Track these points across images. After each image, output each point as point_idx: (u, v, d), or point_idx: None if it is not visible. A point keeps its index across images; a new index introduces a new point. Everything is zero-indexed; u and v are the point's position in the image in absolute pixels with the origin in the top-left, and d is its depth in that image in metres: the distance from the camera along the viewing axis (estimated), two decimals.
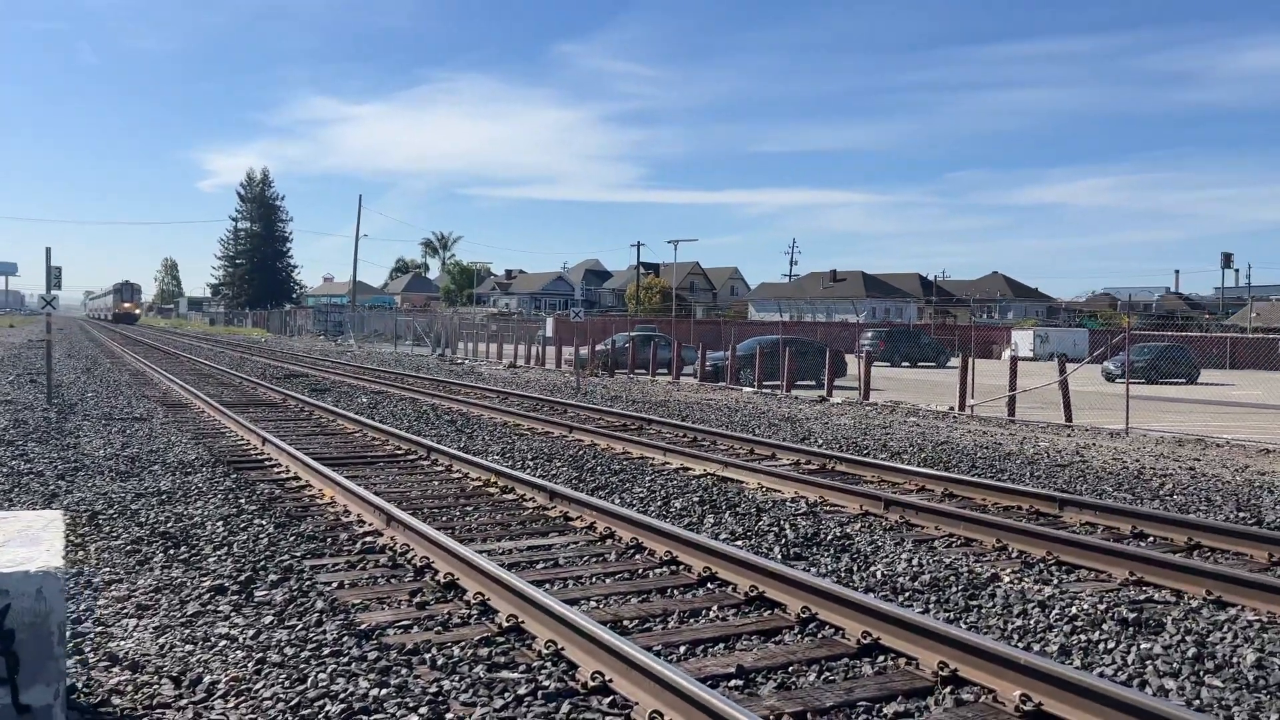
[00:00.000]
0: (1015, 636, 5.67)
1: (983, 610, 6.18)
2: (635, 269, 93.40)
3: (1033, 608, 6.20)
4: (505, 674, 4.93)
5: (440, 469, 11.54)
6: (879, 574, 6.99)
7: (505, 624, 5.69)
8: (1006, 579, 6.94)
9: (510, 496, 9.81)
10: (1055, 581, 6.92)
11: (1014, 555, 7.69)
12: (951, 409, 20.74)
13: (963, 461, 12.96)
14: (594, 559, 7.42)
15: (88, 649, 5.15)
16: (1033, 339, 56.59)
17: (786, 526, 8.41)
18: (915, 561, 7.31)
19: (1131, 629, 5.84)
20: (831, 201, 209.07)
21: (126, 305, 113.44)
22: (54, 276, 17.68)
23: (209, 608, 5.97)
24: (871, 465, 11.78)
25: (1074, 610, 6.15)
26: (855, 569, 7.14)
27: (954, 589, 6.62)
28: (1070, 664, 5.16)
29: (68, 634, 4.38)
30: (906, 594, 6.51)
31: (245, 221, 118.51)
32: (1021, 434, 16.80)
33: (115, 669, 4.89)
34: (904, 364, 45.95)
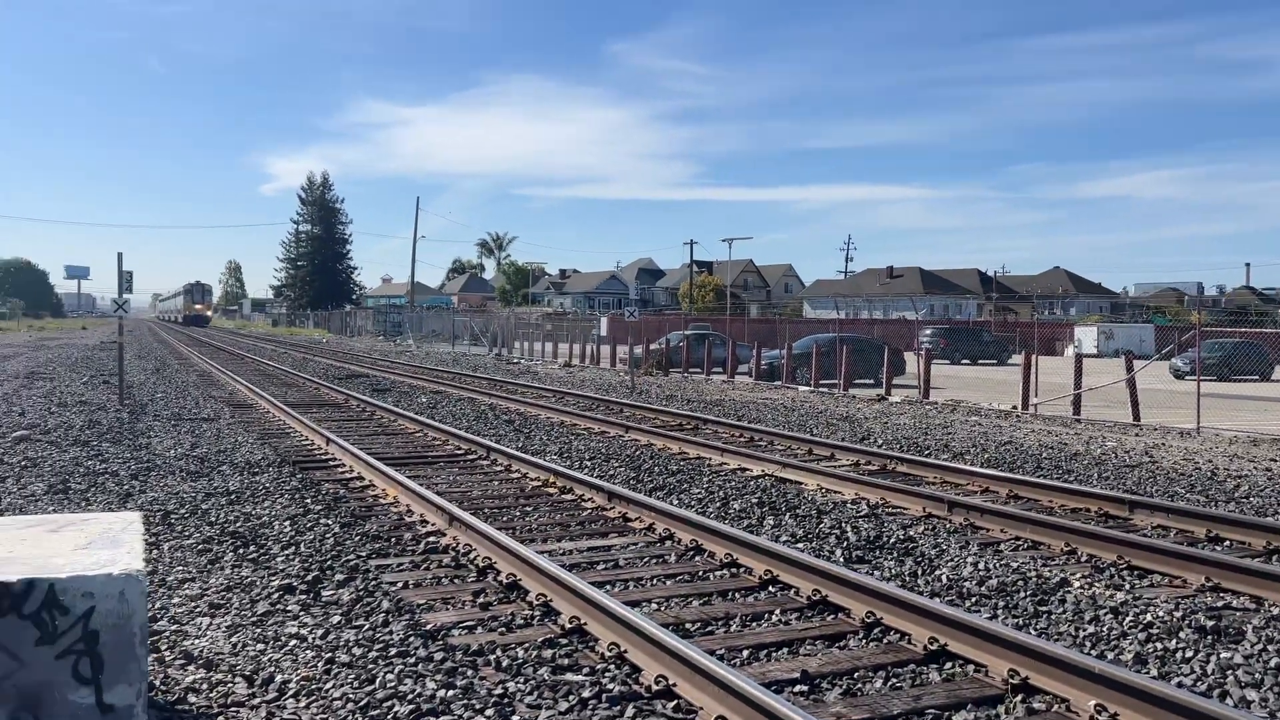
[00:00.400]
0: (1088, 644, 5.54)
1: (1053, 616, 6.05)
2: (688, 267, 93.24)
3: (1105, 614, 6.05)
4: (569, 676, 4.95)
5: (499, 469, 11.63)
6: (944, 578, 6.87)
7: (568, 625, 5.71)
8: (1076, 584, 6.78)
9: (569, 497, 9.85)
10: (1128, 587, 6.75)
11: (1083, 559, 7.52)
12: (1014, 408, 20.36)
13: (1027, 462, 12.71)
14: (654, 560, 7.42)
15: (164, 647, 5.28)
16: (1097, 335, 55.28)
17: (848, 529, 8.32)
18: (981, 565, 7.18)
19: (1210, 637, 5.67)
20: (887, 197, 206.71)
21: (198, 307, 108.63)
22: (125, 280, 18.18)
23: (278, 607, 6.09)
24: (933, 466, 11.61)
25: (1148, 617, 5.98)
26: (920, 573, 7.04)
27: (1022, 594, 6.49)
28: (1147, 673, 5.02)
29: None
30: (973, 599, 6.40)
31: (306, 224, 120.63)
32: (1088, 433, 16.42)
33: (190, 667, 5.01)
34: (964, 361, 45.21)
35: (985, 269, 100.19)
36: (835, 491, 10.23)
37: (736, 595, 6.53)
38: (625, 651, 5.22)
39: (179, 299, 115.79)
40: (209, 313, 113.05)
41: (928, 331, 47.46)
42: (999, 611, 6.13)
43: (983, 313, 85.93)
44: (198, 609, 6.01)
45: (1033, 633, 5.65)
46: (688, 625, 5.83)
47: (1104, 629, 5.79)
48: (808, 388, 25.76)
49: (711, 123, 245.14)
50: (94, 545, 3.74)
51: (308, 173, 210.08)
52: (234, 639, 5.46)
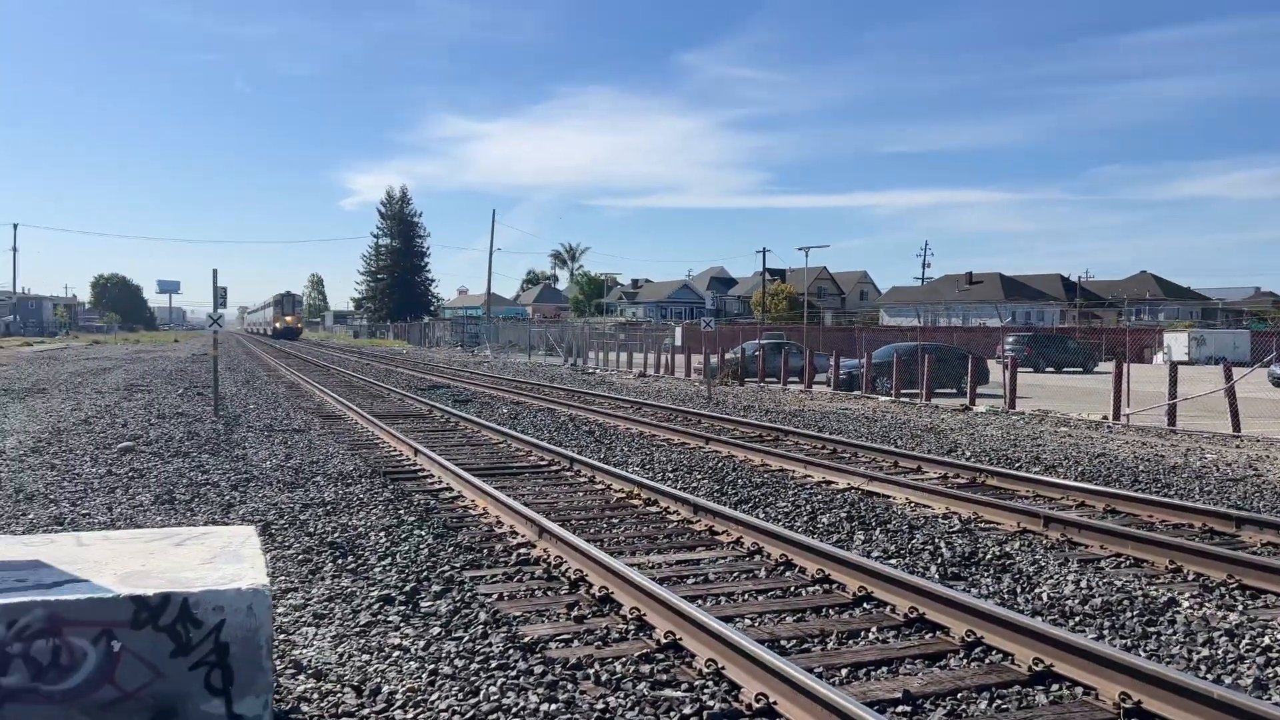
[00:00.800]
0: (1202, 668, 5.35)
1: (1162, 638, 5.86)
2: (760, 275, 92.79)
3: (1219, 636, 5.84)
4: (669, 692, 4.96)
5: (583, 480, 11.72)
6: (1045, 596, 6.72)
7: (663, 640, 5.73)
8: (1185, 604, 6.56)
9: (654, 509, 9.88)
10: (1240, 608, 6.50)
11: (1190, 578, 7.27)
12: (1105, 418, 19.77)
13: (1123, 475, 12.33)
14: (744, 575, 7.40)
15: (274, 656, 5.45)
16: (1188, 342, 53.39)
17: (941, 544, 8.18)
18: (1083, 584, 7.00)
19: None
20: (963, 201, 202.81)
21: (288, 319, 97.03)
22: (220, 296, 18.83)
23: (379, 617, 6.23)
24: (1025, 479, 11.34)
25: (1266, 640, 5.76)
26: (1019, 590, 6.88)
27: (1129, 614, 6.30)
28: (1268, 700, 4.83)
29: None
30: (1077, 618, 6.24)
31: (386, 238, 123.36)
32: (1185, 445, 15.87)
33: (300, 677, 5.16)
34: (1049, 369, 44.07)
35: (1067, 274, 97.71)
36: (925, 506, 10.07)
37: (830, 612, 6.47)
38: (723, 668, 5.21)
39: (268, 310, 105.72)
40: (299, 325, 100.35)
41: (1010, 339, 46.41)
42: (1105, 632, 5.97)
43: (1066, 319, 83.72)
44: (303, 619, 6.18)
45: (1142, 654, 5.48)
46: (783, 642, 5.80)
47: (1218, 652, 5.59)
48: (888, 398, 25.39)
49: (782, 130, 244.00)
50: (218, 560, 3.88)
51: (387, 187, 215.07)
52: (340, 649, 5.60)
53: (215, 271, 18.59)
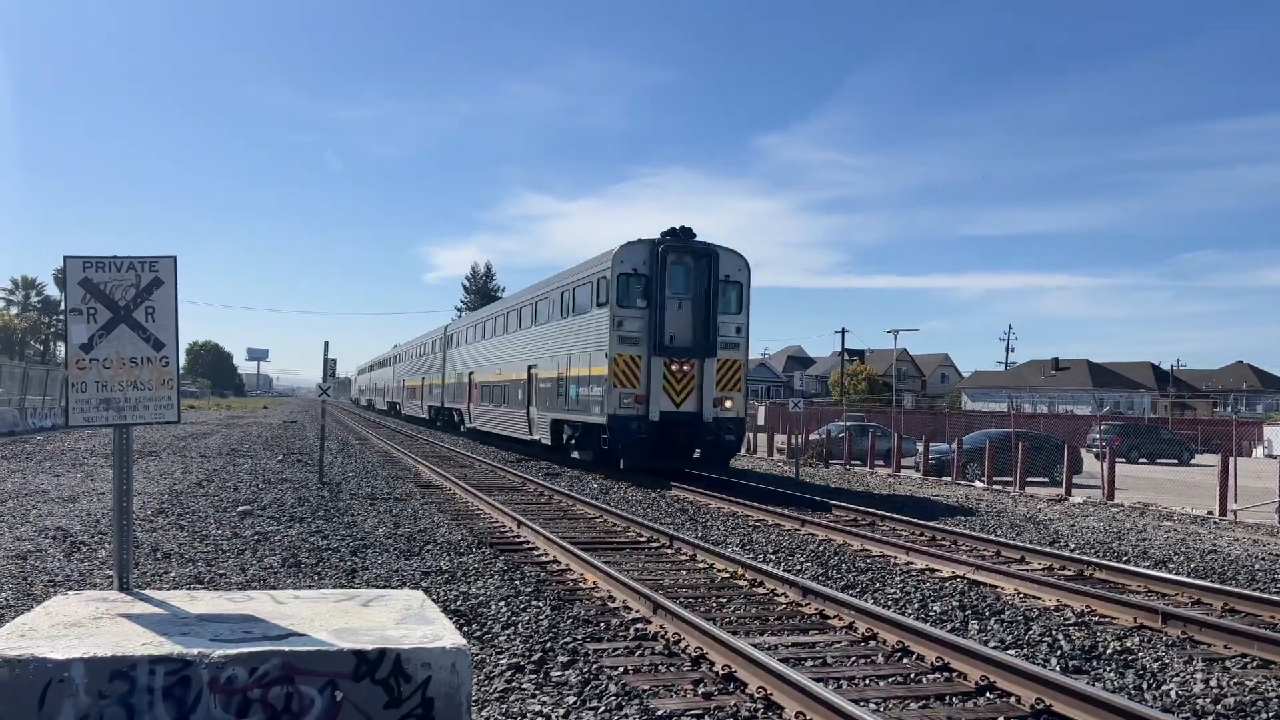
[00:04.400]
0: None
1: None
2: (838, 355, 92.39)
3: None
4: None
5: (685, 558, 11.90)
6: (1173, 694, 6.66)
7: None
8: None
9: (760, 590, 10.00)
10: None
11: None
12: (1210, 513, 19.20)
13: (1239, 573, 12.02)
14: (862, 660, 7.47)
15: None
16: None
17: (1059, 636, 8.14)
18: (1213, 683, 6.91)
19: None
20: (1048, 285, 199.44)
21: None
22: (330, 368, 19.69)
23: (514, 684, 6.49)
24: (1135, 574, 11.16)
25: None
26: (1145, 687, 6.84)
27: (1263, 715, 6.23)
28: None
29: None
30: (1210, 718, 6.18)
31: (469, 311, 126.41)
32: None
33: None
34: (1141, 460, 42.78)
35: (1158, 361, 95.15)
36: (1035, 597, 9.99)
37: (954, 700, 6.52)
38: None
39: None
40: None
41: (1101, 428, 45.26)
42: None
43: (1157, 408, 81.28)
44: None
45: None
46: None
47: None
48: (981, 484, 25.02)
49: (861, 211, 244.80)
50: (409, 621, 4.22)
51: (471, 262, 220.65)
52: (485, 713, 5.87)
53: (326, 345, 19.40)
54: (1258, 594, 10.06)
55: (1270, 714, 6.27)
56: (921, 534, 14.77)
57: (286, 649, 3.60)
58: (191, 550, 11.06)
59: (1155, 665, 7.40)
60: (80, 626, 4.04)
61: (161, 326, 5.25)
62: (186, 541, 11.66)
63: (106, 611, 4.35)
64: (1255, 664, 7.60)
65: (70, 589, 8.11)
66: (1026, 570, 11.50)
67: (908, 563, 12.05)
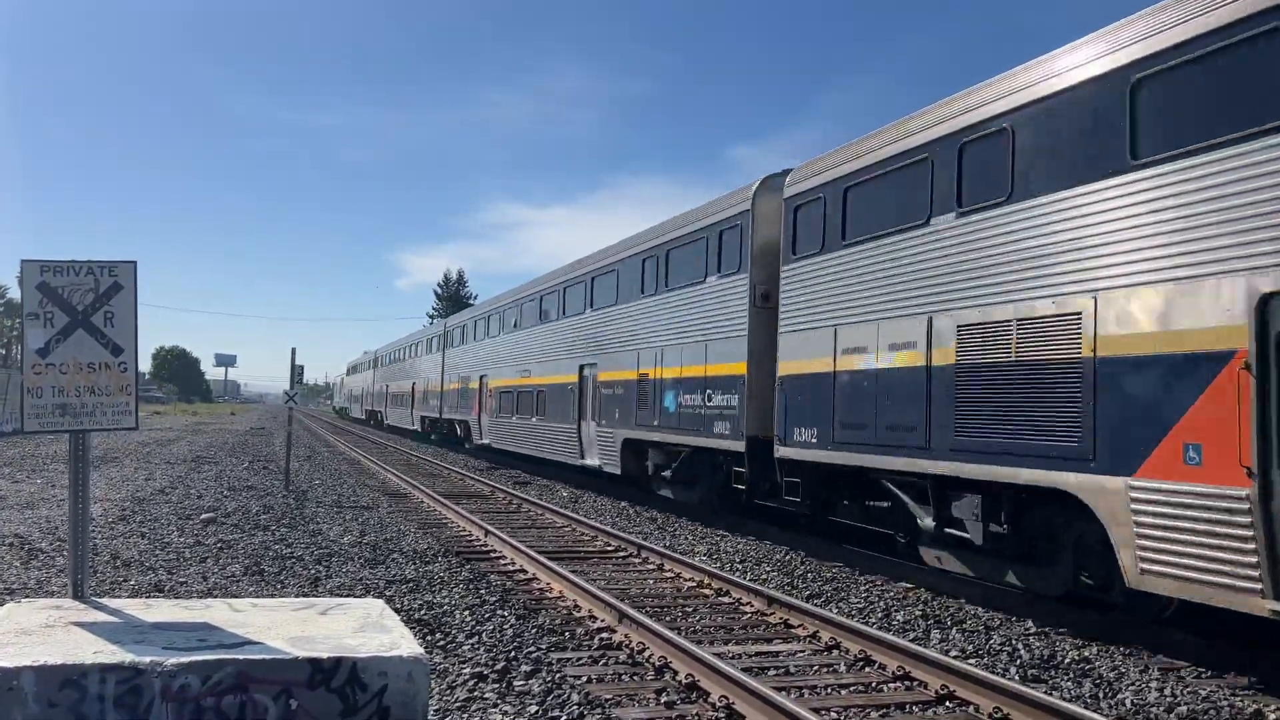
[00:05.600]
0: None
1: None
2: None
3: None
4: None
5: (652, 567, 11.91)
6: (1128, 702, 6.76)
7: None
8: (1272, 716, 6.56)
9: (726, 599, 10.03)
10: None
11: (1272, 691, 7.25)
12: None
13: None
14: (824, 669, 7.52)
15: None
16: None
17: (1020, 646, 8.23)
18: (1166, 691, 7.02)
19: None
20: None
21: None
22: (298, 374, 19.54)
23: (475, 694, 6.47)
24: None
25: None
26: (1101, 695, 6.93)
27: None
28: None
29: None
30: None
31: (441, 318, 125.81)
32: None
33: None
34: None
35: None
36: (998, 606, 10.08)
37: (914, 708, 6.58)
38: None
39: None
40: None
41: None
42: None
43: None
44: None
45: None
46: None
47: None
48: None
49: None
50: (367, 630, 4.20)
51: (444, 269, 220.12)
52: None
53: (294, 351, 19.31)
54: None
55: None
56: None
57: (241, 657, 3.58)
58: (152, 558, 10.92)
59: (1112, 675, 7.50)
60: (31, 634, 3.99)
61: (120, 332, 5.20)
62: (148, 549, 11.52)
63: (59, 619, 4.30)
64: (1209, 674, 7.72)
65: (25, 597, 7.99)
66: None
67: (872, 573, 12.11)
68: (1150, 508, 7.54)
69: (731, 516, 15.82)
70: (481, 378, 31.16)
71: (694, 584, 10.81)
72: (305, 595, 9.17)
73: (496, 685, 6.67)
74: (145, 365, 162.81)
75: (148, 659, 3.58)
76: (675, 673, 7.09)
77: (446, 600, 9.28)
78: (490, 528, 13.76)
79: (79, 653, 3.66)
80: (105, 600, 4.97)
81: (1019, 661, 7.76)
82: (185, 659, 3.56)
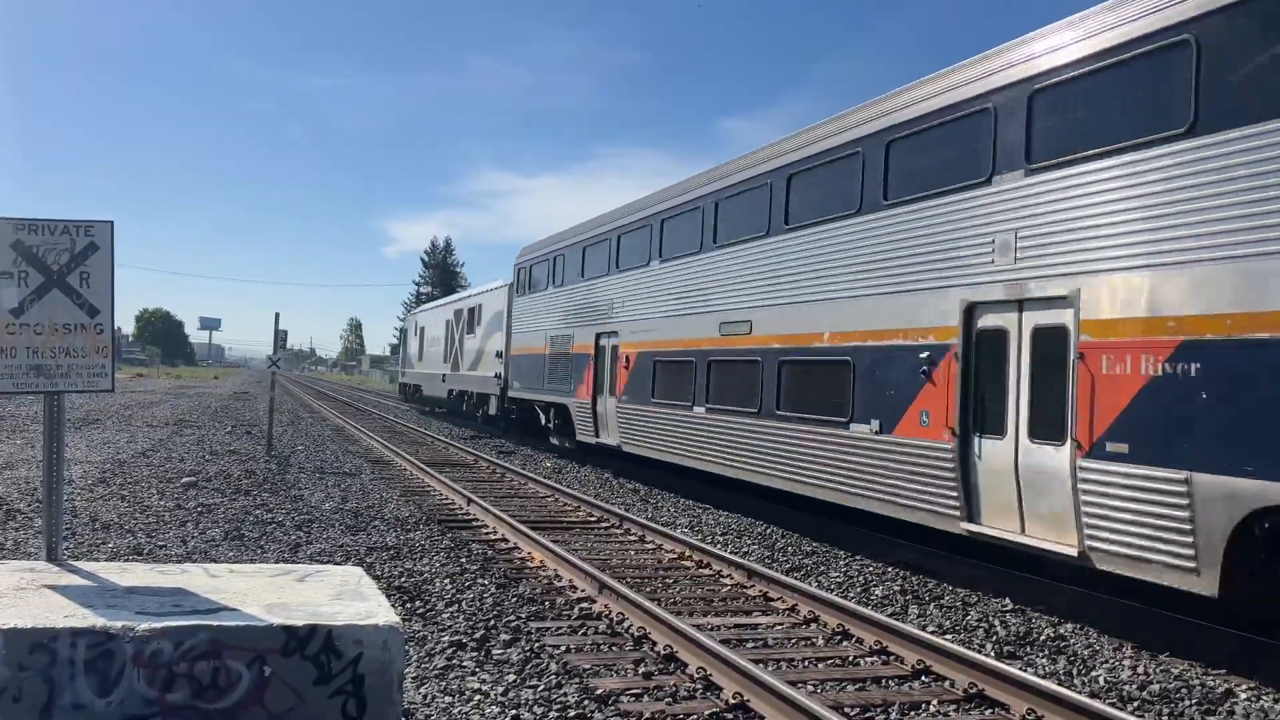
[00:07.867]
0: None
1: None
2: None
3: None
4: None
5: (634, 539, 11.93)
6: (1101, 680, 6.83)
7: (732, 701, 5.93)
8: (1244, 695, 6.64)
9: (706, 572, 10.06)
10: None
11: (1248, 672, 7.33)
12: None
13: None
14: (802, 642, 7.56)
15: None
16: None
17: (996, 623, 8.30)
18: (1139, 669, 7.09)
19: None
20: None
21: None
22: (281, 339, 19.41)
23: (454, 662, 6.48)
24: None
25: None
26: (1075, 672, 7.00)
27: (1187, 702, 6.40)
28: None
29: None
30: (1135, 704, 6.35)
31: (428, 286, 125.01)
32: None
33: None
34: None
35: None
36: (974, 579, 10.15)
37: (890, 683, 6.62)
38: None
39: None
40: None
41: None
42: (1163, 718, 6.08)
43: None
44: None
45: None
46: (847, 709, 5.97)
47: None
48: None
49: None
50: (344, 597, 4.18)
51: (431, 237, 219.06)
52: (423, 690, 5.85)
53: (277, 315, 19.17)
54: None
55: (1193, 700, 6.45)
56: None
57: (214, 624, 3.55)
58: (132, 521, 10.87)
59: (1086, 652, 7.57)
60: (2, 597, 3.95)
61: (96, 293, 5.12)
62: (127, 512, 11.46)
63: (32, 582, 4.26)
64: (1182, 654, 7.80)
65: (0, 559, 7.93)
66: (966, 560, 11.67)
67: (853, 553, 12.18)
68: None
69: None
70: (614, 336, 18.56)
71: (675, 556, 10.84)
72: (285, 561, 9.15)
73: (475, 654, 6.68)
74: (129, 327, 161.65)
75: (119, 624, 3.54)
76: (654, 643, 7.12)
77: (427, 568, 9.27)
78: (473, 496, 13.75)
79: (50, 616, 3.62)
80: (80, 564, 4.93)
81: (995, 638, 7.82)
82: (158, 624, 3.53)
